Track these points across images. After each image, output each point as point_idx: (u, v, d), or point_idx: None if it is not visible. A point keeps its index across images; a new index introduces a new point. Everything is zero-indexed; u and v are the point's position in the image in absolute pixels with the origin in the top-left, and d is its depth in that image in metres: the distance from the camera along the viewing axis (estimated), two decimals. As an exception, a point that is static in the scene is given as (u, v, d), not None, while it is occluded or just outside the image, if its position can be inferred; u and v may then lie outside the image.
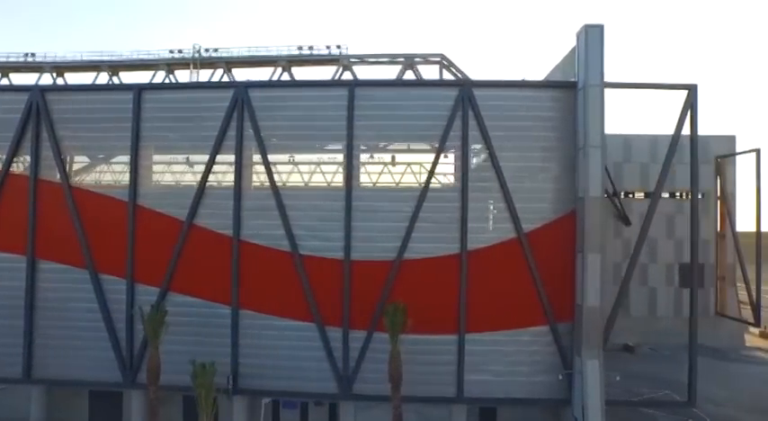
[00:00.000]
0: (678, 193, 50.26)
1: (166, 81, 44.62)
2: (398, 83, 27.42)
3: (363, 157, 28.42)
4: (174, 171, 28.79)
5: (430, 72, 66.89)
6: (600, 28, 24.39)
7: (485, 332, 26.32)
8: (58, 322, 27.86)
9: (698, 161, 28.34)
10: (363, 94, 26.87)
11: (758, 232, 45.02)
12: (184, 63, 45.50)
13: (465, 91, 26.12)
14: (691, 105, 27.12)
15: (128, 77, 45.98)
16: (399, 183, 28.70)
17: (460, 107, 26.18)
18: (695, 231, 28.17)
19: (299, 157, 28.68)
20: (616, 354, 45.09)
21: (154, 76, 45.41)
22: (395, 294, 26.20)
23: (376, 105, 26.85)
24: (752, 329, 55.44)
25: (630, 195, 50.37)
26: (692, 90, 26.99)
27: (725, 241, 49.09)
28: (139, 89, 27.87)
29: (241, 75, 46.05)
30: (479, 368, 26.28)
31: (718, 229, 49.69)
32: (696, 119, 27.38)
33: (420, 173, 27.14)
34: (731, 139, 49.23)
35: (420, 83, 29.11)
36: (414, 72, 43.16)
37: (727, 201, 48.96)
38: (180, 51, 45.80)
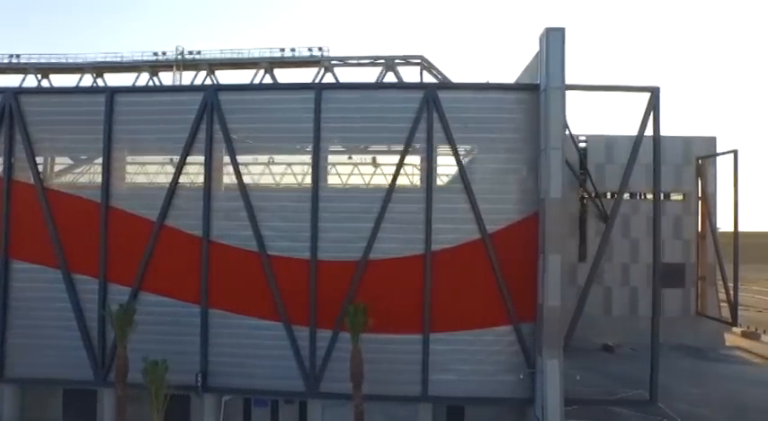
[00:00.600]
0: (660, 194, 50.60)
1: (150, 83, 45.11)
2: (365, 86, 27.76)
3: (338, 158, 28.88)
4: (146, 172, 29.18)
5: (410, 73, 67.22)
6: (561, 31, 24.69)
7: (449, 332, 26.67)
8: (31, 321, 28.29)
9: (660, 162, 28.80)
10: (330, 97, 27.25)
11: (735, 232, 45.27)
12: (167, 65, 45.95)
13: (429, 93, 26.46)
14: (653, 107, 27.41)
15: (112, 79, 46.47)
16: (369, 184, 29.04)
17: (425, 109, 26.54)
18: (657, 231, 28.64)
19: (268, 159, 29.01)
20: (596, 354, 45.49)
21: (137, 77, 45.88)
22: (360, 294, 26.59)
23: (343, 108, 27.21)
24: (734, 329, 55.76)
25: (613, 196, 50.72)
26: (654, 92, 27.32)
27: (705, 241, 49.32)
28: (112, 92, 28.28)
29: (224, 76, 46.48)
30: (444, 367, 26.63)
31: (699, 230, 49.96)
32: (659, 120, 27.73)
33: (387, 174, 27.44)
34: (711, 140, 49.49)
35: (386, 85, 29.54)
36: (394, 73, 43.60)
37: (708, 202, 49.20)
38: (164, 53, 46.27)
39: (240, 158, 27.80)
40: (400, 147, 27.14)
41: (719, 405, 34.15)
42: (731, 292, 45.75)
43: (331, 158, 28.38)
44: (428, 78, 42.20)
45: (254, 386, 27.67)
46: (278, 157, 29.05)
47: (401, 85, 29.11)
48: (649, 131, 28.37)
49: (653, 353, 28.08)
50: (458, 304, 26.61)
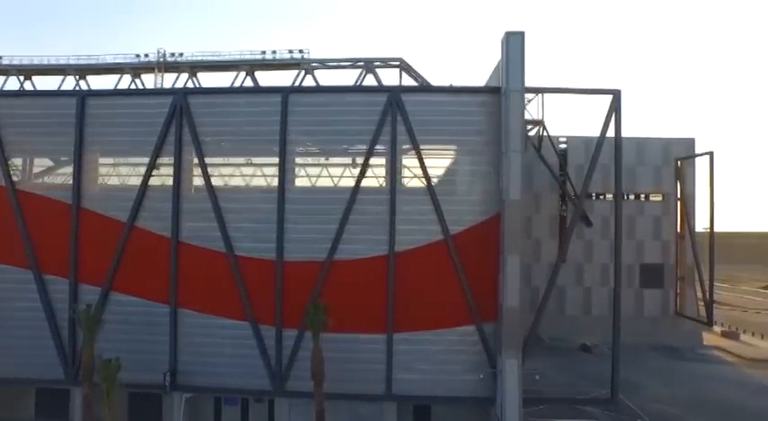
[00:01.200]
0: (640, 195, 50.99)
1: (132, 85, 45.46)
2: (330, 89, 28.22)
3: (310, 160, 29.23)
4: (117, 174, 29.63)
5: (390, 75, 67.59)
6: (520, 35, 25.07)
7: (413, 331, 27.08)
8: (2, 322, 28.71)
9: (621, 163, 29.05)
10: (297, 101, 27.69)
11: (711, 233, 45.61)
12: (150, 67, 46.27)
13: (393, 96, 26.87)
14: (615, 109, 27.79)
15: (95, 81, 46.81)
16: (337, 185, 29.39)
17: (390, 112, 26.95)
18: (618, 232, 28.89)
19: (245, 160, 29.45)
20: (574, 354, 45.87)
21: (119, 79, 46.25)
22: (326, 294, 27.02)
23: (309, 111, 27.65)
24: (715, 328, 56.12)
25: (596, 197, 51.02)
26: (615, 95, 27.72)
27: (685, 242, 49.66)
28: (83, 95, 28.73)
29: (205, 79, 46.77)
30: (408, 367, 27.05)
31: (679, 230, 50.30)
32: (620, 122, 28.13)
33: (352, 177, 27.79)
34: (690, 142, 49.84)
35: (351, 89, 29.91)
36: (374, 75, 43.94)
37: (687, 203, 49.53)
38: (146, 55, 46.63)
39: (210, 160, 28.25)
40: (366, 149, 27.54)
41: (687, 403, 34.52)
42: (707, 293, 46.07)
43: (300, 160, 28.78)
44: (407, 80, 42.59)
45: (222, 385, 28.12)
46: (249, 160, 29.39)
47: (366, 89, 29.57)
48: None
49: (614, 353, 28.50)
50: (421, 304, 27.01)
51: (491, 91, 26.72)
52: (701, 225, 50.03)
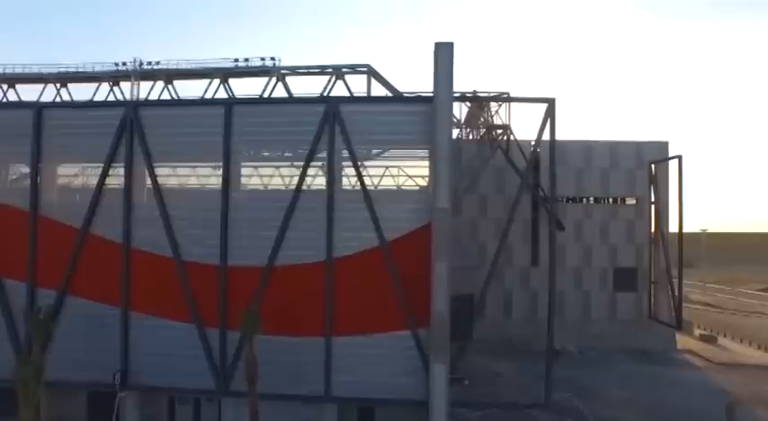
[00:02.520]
0: (612, 199, 51.07)
1: (111, 94, 46.82)
2: (272, 100, 29.10)
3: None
4: (73, 184, 30.90)
5: (358, 81, 68.18)
6: (449, 45, 25.64)
7: (351, 335, 27.81)
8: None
9: (555, 168, 29.34)
10: (241, 111, 28.63)
11: (680, 236, 45.46)
12: (127, 76, 47.59)
13: (331, 106, 27.65)
14: (550, 116, 28.21)
15: (75, 89, 48.29)
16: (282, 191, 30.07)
17: (328, 122, 27.73)
18: (553, 236, 29.24)
19: (187, 170, 30.51)
20: (542, 357, 46.02)
21: (98, 88, 47.67)
22: (267, 298, 27.95)
23: (252, 122, 28.60)
24: (696, 331, 55.92)
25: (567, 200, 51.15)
26: (550, 103, 28.14)
27: (658, 245, 49.55)
28: (40, 107, 30.04)
29: (181, 87, 47.87)
30: (346, 369, 27.79)
31: (653, 234, 50.21)
32: (554, 129, 28.48)
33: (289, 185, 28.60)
34: (664, 145, 49.76)
35: (291, 100, 30.76)
36: (343, 82, 44.72)
37: (660, 206, 49.43)
38: (124, 64, 47.99)
39: (159, 170, 29.36)
40: (313, 158, 28.33)
41: (644, 409, 34.72)
42: (677, 296, 45.98)
43: (245, 170, 29.75)
44: (375, 86, 43.34)
45: (171, 385, 29.17)
46: (196, 169, 30.44)
47: (305, 100, 30.31)
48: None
49: (547, 358, 28.82)
50: (359, 309, 27.77)
51: (425, 100, 27.31)
52: (676, 228, 50.09)
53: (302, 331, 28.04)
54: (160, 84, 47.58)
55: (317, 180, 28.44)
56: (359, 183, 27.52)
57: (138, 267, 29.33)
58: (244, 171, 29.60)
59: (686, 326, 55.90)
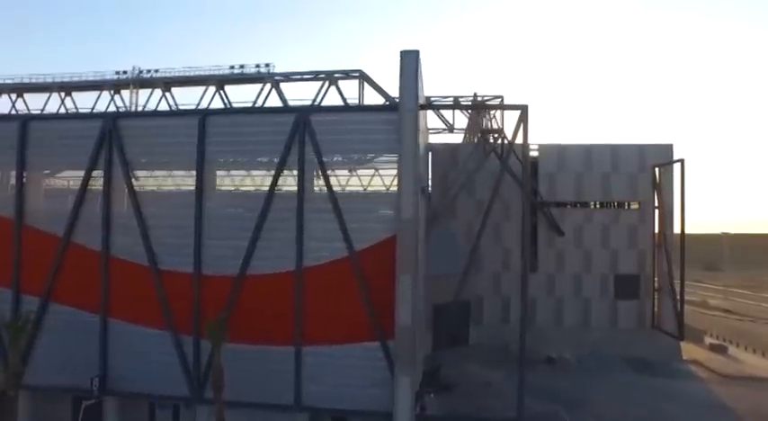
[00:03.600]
0: (614, 204, 49.60)
1: (111, 102, 47.85)
2: (244, 110, 29.22)
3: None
4: (57, 193, 31.70)
5: (351, 87, 67.69)
6: (415, 53, 25.28)
7: (321, 345, 27.74)
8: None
9: (530, 175, 28.52)
10: (215, 122, 28.87)
11: (682, 243, 43.91)
12: (127, 84, 48.61)
13: (301, 116, 27.60)
14: (523, 123, 27.54)
15: (78, 98, 49.59)
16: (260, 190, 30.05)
17: (298, 131, 27.70)
18: (526, 241, 28.54)
19: (164, 180, 30.93)
20: (537, 366, 45.03)
21: (99, 96, 48.81)
22: (239, 307, 28.14)
23: (225, 132, 28.80)
24: (707, 340, 53.89)
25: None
26: (523, 110, 27.45)
27: (662, 251, 47.94)
28: (25, 119, 30.87)
29: (179, 94, 48.64)
30: (316, 379, 27.74)
31: (656, 239, 48.61)
32: (527, 136, 27.78)
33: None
34: (668, 148, 47.97)
35: (262, 110, 30.82)
36: (336, 88, 44.72)
37: (665, 211, 47.81)
38: (124, 72, 49.06)
39: (137, 180, 29.86)
40: (284, 168, 28.39)
41: (633, 422, 33.66)
42: (678, 306, 44.43)
43: (219, 180, 30.01)
44: (368, 90, 43.19)
45: (149, 390, 29.63)
46: (172, 178, 30.84)
47: (276, 110, 30.36)
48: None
49: (520, 371, 28.26)
50: (329, 319, 27.67)
51: (393, 108, 26.99)
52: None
53: (274, 340, 28.11)
54: (158, 92, 48.54)
55: (288, 190, 28.39)
56: (328, 193, 27.37)
57: (116, 275, 29.88)
58: (218, 181, 29.79)
59: (697, 334, 54.05)
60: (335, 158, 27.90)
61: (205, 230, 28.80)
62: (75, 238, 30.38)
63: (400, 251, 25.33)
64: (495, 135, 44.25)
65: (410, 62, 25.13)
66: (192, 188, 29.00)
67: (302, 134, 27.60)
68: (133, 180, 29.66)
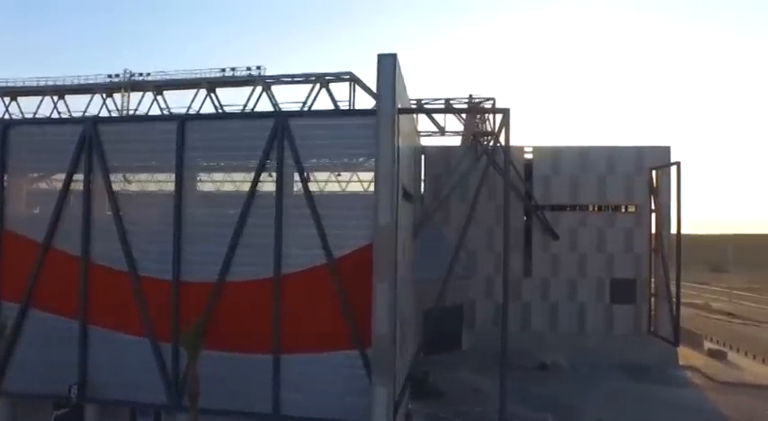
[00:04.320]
0: (610, 207, 48.81)
1: (103, 106, 47.92)
2: (224, 116, 28.89)
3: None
4: (38, 198, 31.53)
5: (341, 89, 67.39)
6: (392, 57, 24.75)
7: (299, 353, 27.31)
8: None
9: (510, 179, 28.04)
10: (194, 127, 28.54)
11: (678, 247, 43.10)
12: (119, 87, 48.66)
13: (279, 121, 27.20)
14: (505, 126, 26.96)
15: (72, 101, 49.72)
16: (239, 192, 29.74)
17: (277, 136, 27.30)
18: (506, 247, 27.98)
19: (145, 185, 30.65)
20: (531, 373, 44.40)
21: (91, 99, 48.89)
22: (218, 314, 27.79)
23: (205, 138, 28.47)
24: (706, 345, 52.98)
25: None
26: (505, 113, 26.86)
27: (659, 255, 47.14)
28: (6, 124, 30.72)
29: (171, 97, 48.60)
30: (295, 387, 27.29)
31: (653, 243, 47.82)
32: (509, 139, 27.15)
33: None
34: (665, 150, 47.15)
35: (241, 115, 30.55)
36: (327, 90, 44.40)
37: (662, 214, 47.01)
38: (117, 76, 49.11)
39: (116, 185, 29.62)
40: (267, 172, 28.06)
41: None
42: (674, 310, 43.64)
43: (199, 185, 29.69)
44: (359, 93, 42.89)
45: (128, 398, 29.33)
46: (156, 184, 30.58)
47: (255, 115, 30.07)
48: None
49: (501, 376, 27.76)
50: (307, 326, 27.21)
51: (371, 113, 26.50)
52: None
53: (252, 348, 27.70)
54: (149, 95, 48.51)
55: (267, 195, 27.97)
56: (307, 199, 26.96)
57: (96, 281, 29.64)
58: (198, 186, 29.46)
59: (696, 339, 53.23)
60: (315, 163, 27.42)
61: (184, 236, 28.46)
62: (55, 244, 30.18)
63: (377, 258, 24.83)
64: (488, 137, 43.69)
65: (387, 66, 24.61)
66: (172, 193, 28.68)
67: (281, 139, 27.19)
68: (113, 185, 29.38)
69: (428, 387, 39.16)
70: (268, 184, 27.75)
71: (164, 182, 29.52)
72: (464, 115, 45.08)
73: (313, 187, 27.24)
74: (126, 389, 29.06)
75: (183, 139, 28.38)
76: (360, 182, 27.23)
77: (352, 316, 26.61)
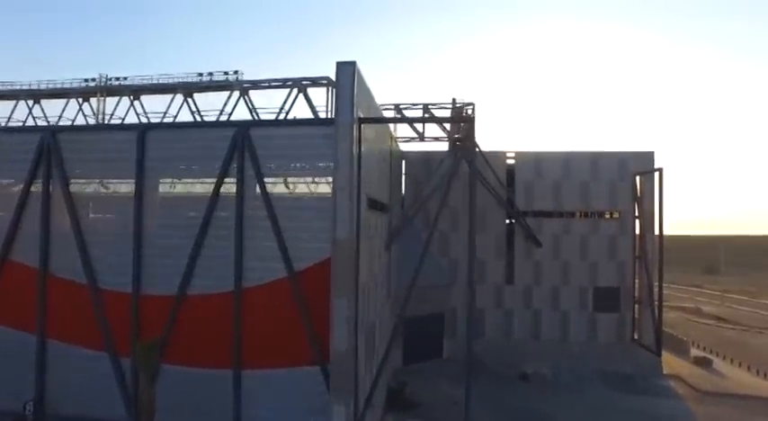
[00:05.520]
0: (593, 213, 48.00)
1: (79, 112, 47.20)
2: (184, 125, 28.22)
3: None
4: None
5: (319, 94, 66.77)
6: (351, 65, 23.99)
7: (260, 369, 26.63)
8: None
9: (476, 189, 27.35)
10: (154, 136, 27.84)
11: (661, 254, 42.33)
12: (95, 92, 47.93)
13: (240, 131, 26.49)
14: (470, 134, 26.28)
15: (47, 105, 49.03)
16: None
17: (238, 146, 26.60)
18: (472, 253, 27.24)
19: (105, 196, 29.93)
20: (511, 382, 43.63)
21: (66, 104, 48.21)
22: (179, 329, 27.12)
23: (165, 146, 27.79)
24: (693, 352, 52.17)
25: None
26: (470, 122, 26.17)
27: (642, 262, 46.37)
28: (-35, 133, 30.08)
29: (148, 102, 47.84)
30: (255, 403, 26.63)
31: (637, 251, 47.03)
32: (474, 149, 26.42)
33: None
34: (649, 156, 46.34)
35: (201, 124, 29.90)
36: (304, 95, 43.65)
37: (645, 220, 46.23)
38: (93, 80, 48.39)
39: (77, 195, 28.93)
40: (227, 183, 27.37)
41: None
42: (657, 319, 42.88)
43: (161, 196, 28.99)
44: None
45: (87, 414, 28.59)
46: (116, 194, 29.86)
47: (215, 124, 29.40)
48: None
49: (466, 387, 27.06)
50: (269, 342, 26.56)
51: (331, 122, 25.74)
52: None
53: (213, 363, 27.04)
54: (126, 100, 47.78)
55: (227, 206, 27.26)
56: (267, 211, 26.27)
57: (55, 294, 28.99)
58: (160, 197, 28.75)
59: (682, 346, 52.37)
60: (276, 174, 26.70)
61: (145, 248, 27.80)
62: (12, 256, 29.51)
63: (335, 273, 24.06)
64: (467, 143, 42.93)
65: (346, 74, 23.84)
66: (132, 204, 27.99)
67: (241, 149, 26.49)
68: (72, 195, 28.70)
69: (405, 398, 38.43)
70: (229, 195, 27.04)
71: (124, 193, 28.75)
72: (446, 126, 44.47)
73: (274, 198, 26.47)
74: (84, 405, 28.34)
75: (144, 149, 27.72)
76: (320, 194, 26.43)
77: (312, 331, 25.90)
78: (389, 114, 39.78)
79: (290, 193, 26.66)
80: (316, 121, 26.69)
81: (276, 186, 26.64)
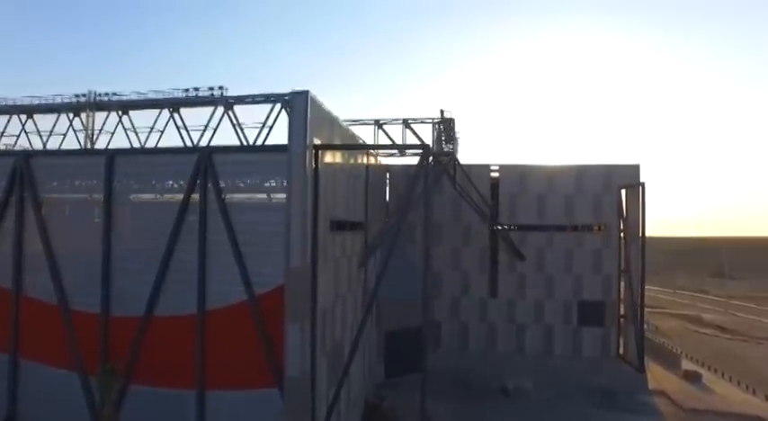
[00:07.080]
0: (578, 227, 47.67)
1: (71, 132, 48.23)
2: (149, 151, 28.75)
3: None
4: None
5: None
6: (305, 94, 24.28)
7: (222, 390, 27.04)
8: None
9: (432, 211, 27.39)
10: (121, 161, 28.44)
11: (642, 268, 41.92)
12: (84, 108, 48.90)
13: (202, 156, 26.92)
14: (424, 164, 26.38)
15: (40, 120, 50.18)
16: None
17: (200, 171, 27.05)
18: (426, 263, 27.27)
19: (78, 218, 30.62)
20: (491, 396, 43.51)
21: (57, 119, 49.31)
22: (144, 350, 27.71)
23: (133, 172, 28.39)
24: (684, 365, 51.57)
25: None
26: (426, 148, 26.30)
27: (627, 276, 45.98)
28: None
29: (136, 117, 48.65)
30: (219, 424, 27.07)
31: (622, 265, 46.65)
32: (429, 175, 26.54)
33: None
34: (635, 169, 45.86)
35: (165, 150, 30.28)
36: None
37: (630, 233, 45.81)
38: (83, 96, 49.37)
39: (49, 219, 29.69)
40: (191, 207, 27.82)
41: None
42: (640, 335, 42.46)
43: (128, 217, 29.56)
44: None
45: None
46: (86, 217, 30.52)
47: (179, 150, 29.79)
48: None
49: (422, 402, 27.09)
50: (231, 363, 26.93)
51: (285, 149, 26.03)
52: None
53: (178, 384, 27.52)
54: (114, 115, 48.70)
55: (191, 231, 27.70)
56: (228, 235, 26.68)
57: (27, 315, 29.75)
58: (125, 219, 29.35)
59: (673, 359, 51.85)
60: (237, 199, 27.10)
61: (113, 271, 28.41)
62: (-14, 277, 30.35)
63: (288, 300, 24.37)
64: (447, 158, 43.08)
65: (300, 103, 24.14)
66: (101, 227, 28.60)
67: (204, 174, 26.93)
68: (44, 217, 29.43)
69: (381, 414, 38.65)
70: (193, 219, 27.49)
71: (94, 215, 29.39)
72: (430, 134, 44.54)
73: (236, 224, 26.85)
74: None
75: (112, 173, 28.31)
76: (279, 216, 26.70)
77: (271, 354, 26.23)
78: (369, 130, 40.16)
79: (253, 220, 26.97)
80: (276, 148, 26.93)
81: (238, 209, 26.96)
